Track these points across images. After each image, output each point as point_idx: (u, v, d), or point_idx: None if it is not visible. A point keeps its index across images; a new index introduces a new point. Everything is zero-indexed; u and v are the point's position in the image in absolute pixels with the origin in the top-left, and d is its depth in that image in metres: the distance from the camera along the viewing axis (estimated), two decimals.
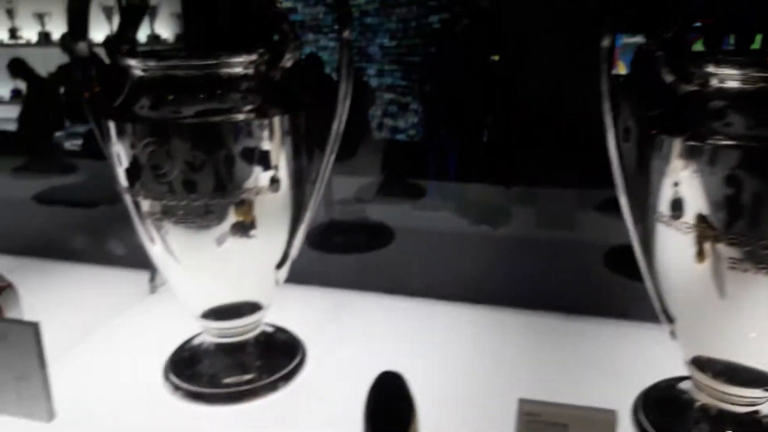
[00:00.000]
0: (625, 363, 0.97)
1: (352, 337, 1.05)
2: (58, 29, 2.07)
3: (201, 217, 0.79)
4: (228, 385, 0.89)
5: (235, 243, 0.82)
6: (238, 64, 0.78)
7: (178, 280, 0.89)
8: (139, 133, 0.76)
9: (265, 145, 0.79)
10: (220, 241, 0.82)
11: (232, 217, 0.80)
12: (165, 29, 2.14)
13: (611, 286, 1.19)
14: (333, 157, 0.85)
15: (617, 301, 1.16)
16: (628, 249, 1.27)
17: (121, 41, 0.84)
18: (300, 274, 0.96)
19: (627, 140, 1.27)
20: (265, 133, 0.78)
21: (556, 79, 1.17)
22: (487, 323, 1.11)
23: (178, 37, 1.75)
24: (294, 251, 0.89)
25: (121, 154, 0.79)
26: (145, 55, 0.80)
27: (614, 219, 1.26)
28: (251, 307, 0.91)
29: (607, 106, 0.71)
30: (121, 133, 0.78)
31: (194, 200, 0.78)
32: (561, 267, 1.24)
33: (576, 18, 1.09)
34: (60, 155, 2.14)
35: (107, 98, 0.84)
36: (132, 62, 0.80)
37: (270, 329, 0.99)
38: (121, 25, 0.85)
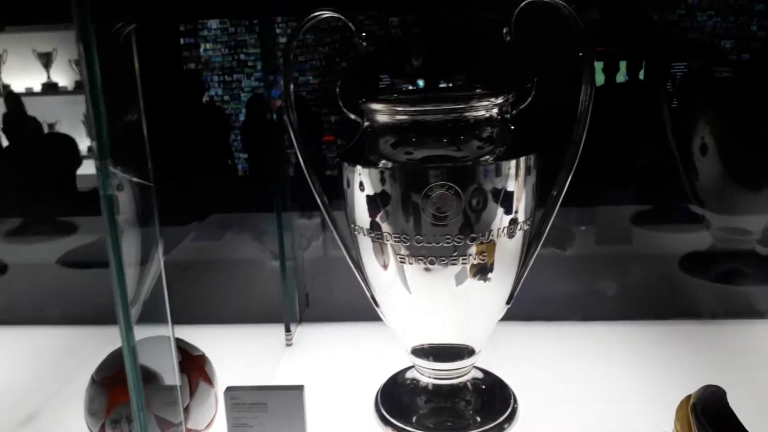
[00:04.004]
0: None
1: (538, 367, 1.05)
2: None
3: (446, 258, 0.80)
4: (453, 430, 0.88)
5: (472, 283, 0.82)
6: (484, 107, 0.80)
7: (403, 316, 0.89)
8: (401, 178, 0.78)
9: (511, 186, 0.80)
10: (459, 280, 0.82)
11: (474, 258, 0.80)
12: (61, 76, 2.11)
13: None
14: (562, 195, 0.87)
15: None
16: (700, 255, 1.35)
17: (348, 87, 0.84)
18: None
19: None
20: (512, 174, 0.79)
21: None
22: (644, 338, 1.15)
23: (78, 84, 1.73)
24: (517, 291, 0.89)
25: (363, 197, 0.81)
26: (385, 101, 0.80)
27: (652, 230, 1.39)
28: (470, 350, 0.90)
29: None
30: (369, 178, 0.80)
31: (442, 241, 0.79)
32: (645, 278, 1.36)
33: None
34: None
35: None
36: (378, 107, 0.80)
37: (480, 373, 0.97)
38: (348, 71, 0.85)
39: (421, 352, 0.90)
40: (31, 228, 1.93)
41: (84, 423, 0.80)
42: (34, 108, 2.19)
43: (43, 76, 2.15)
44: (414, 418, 0.90)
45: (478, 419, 0.90)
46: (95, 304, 1.47)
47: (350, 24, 0.82)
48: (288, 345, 1.17)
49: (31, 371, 1.14)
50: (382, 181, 0.79)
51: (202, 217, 2.06)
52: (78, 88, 2.17)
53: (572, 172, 0.85)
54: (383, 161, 0.79)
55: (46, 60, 2.17)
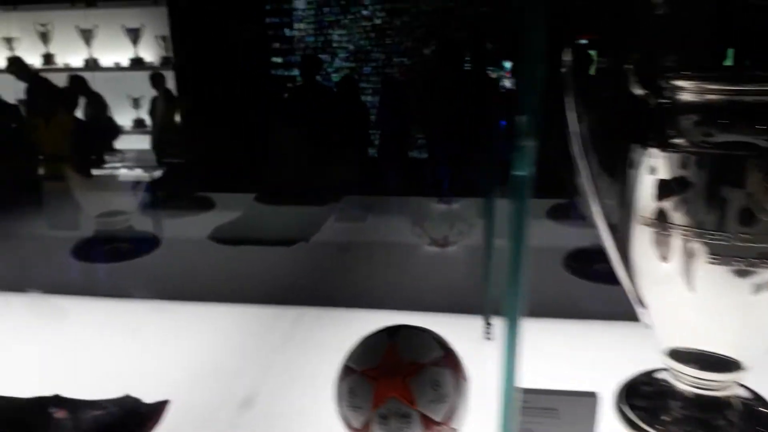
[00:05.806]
0: None
1: None
2: None
3: (749, 260, 0.70)
4: None
5: None
6: None
7: (672, 315, 0.80)
8: (711, 164, 0.70)
9: None
10: (758, 288, 0.72)
11: None
12: (148, 52, 2.08)
13: None
14: None
15: None
16: None
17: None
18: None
19: None
20: None
21: None
22: None
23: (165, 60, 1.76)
24: None
25: (652, 181, 0.74)
26: (697, 77, 0.71)
27: None
28: (740, 364, 0.80)
29: None
30: (666, 161, 0.72)
31: (750, 241, 0.70)
32: None
33: None
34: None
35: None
36: (685, 84, 0.71)
37: (742, 389, 0.88)
38: (643, 43, 0.77)
39: (681, 356, 0.82)
40: (168, 202, 1.93)
41: (330, 412, 0.74)
42: (122, 83, 2.20)
43: (130, 52, 2.15)
44: (662, 426, 0.83)
45: None
46: (254, 282, 1.44)
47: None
48: (487, 338, 1.10)
49: (213, 349, 1.10)
50: (684, 165, 0.71)
51: (338, 198, 2.02)
52: (164, 63, 2.17)
53: None
54: (684, 143, 0.71)
55: (135, 36, 2.17)
